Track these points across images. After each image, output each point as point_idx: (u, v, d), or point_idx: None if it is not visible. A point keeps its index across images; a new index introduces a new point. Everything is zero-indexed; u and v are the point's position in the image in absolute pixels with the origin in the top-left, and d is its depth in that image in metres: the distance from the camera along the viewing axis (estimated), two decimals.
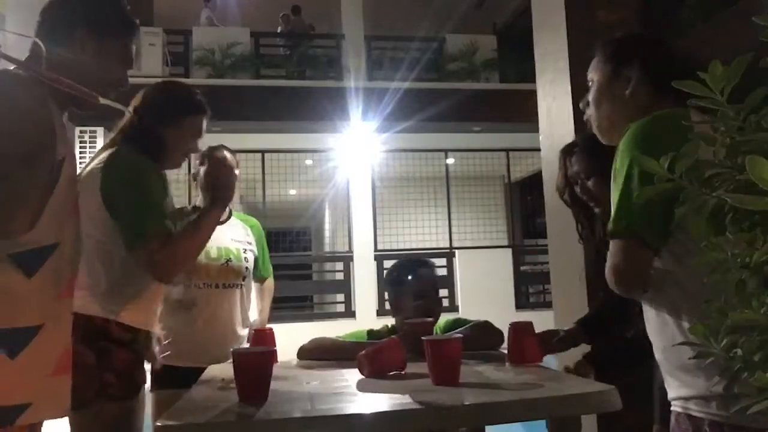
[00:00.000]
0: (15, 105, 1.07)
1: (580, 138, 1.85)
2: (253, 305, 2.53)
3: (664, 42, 1.41)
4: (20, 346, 1.03)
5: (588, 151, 1.74)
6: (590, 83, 1.38)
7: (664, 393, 1.60)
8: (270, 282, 2.65)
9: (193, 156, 2.02)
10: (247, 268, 2.38)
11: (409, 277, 2.12)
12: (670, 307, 1.11)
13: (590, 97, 1.36)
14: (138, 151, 1.65)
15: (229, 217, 2.40)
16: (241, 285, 2.36)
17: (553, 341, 1.81)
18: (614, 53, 1.33)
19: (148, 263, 1.55)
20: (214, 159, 2.26)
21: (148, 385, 1.76)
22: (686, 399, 1.07)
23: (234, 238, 2.39)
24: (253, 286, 2.52)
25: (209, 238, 1.74)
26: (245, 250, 2.40)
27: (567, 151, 1.86)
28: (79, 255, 1.21)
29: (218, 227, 2.22)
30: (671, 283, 1.10)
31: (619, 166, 1.14)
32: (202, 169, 2.26)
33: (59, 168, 1.10)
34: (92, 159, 1.69)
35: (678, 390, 1.10)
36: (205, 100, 1.84)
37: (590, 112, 1.37)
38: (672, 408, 1.13)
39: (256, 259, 2.47)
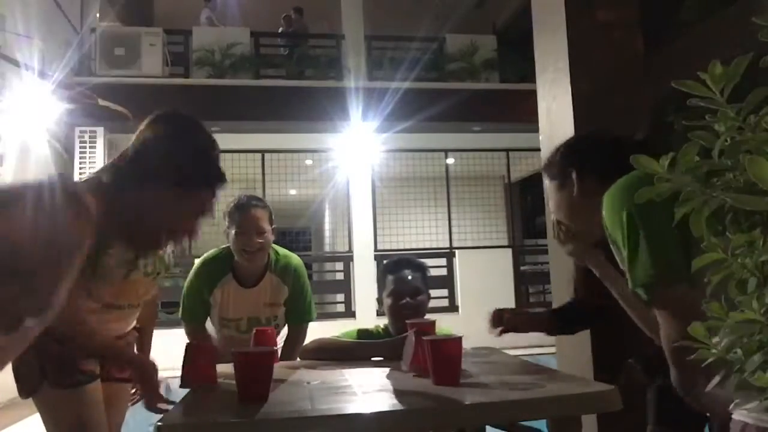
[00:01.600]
0: None
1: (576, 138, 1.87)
2: None
3: (593, 136, 1.50)
4: None
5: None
6: (556, 217, 1.50)
7: (660, 394, 1.59)
8: (305, 327, 2.38)
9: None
10: (279, 323, 2.30)
11: (395, 277, 2.12)
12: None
13: (554, 213, 1.48)
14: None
15: (262, 278, 2.25)
16: None
17: (506, 317, 1.81)
18: (551, 167, 1.45)
19: None
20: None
21: None
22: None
23: (267, 301, 2.26)
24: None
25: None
26: (276, 317, 2.28)
27: None
28: None
29: (250, 290, 2.22)
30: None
31: (613, 230, 1.07)
32: (231, 233, 2.18)
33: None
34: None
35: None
36: (221, 170, 1.32)
37: (575, 228, 1.47)
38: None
39: (290, 306, 2.31)
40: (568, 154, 1.43)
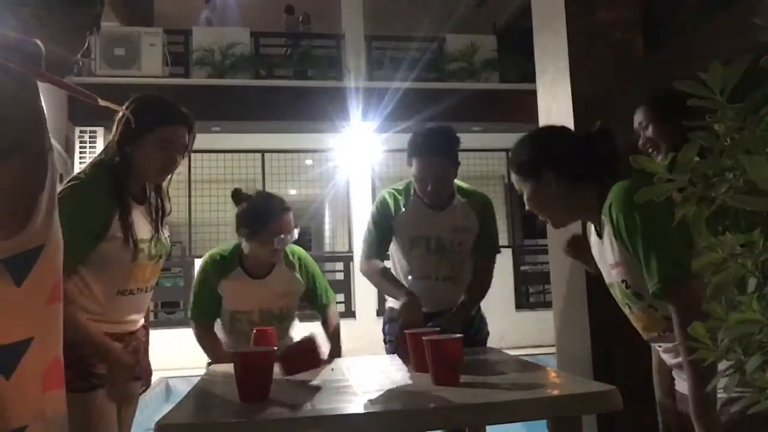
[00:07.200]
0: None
1: (648, 96, 1.97)
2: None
3: (564, 133, 1.59)
4: (14, 363, 0.90)
5: (651, 103, 1.91)
6: (521, 193, 1.54)
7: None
8: (333, 310, 2.43)
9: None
10: (292, 315, 2.33)
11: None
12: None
13: (528, 206, 1.53)
14: (102, 175, 1.69)
15: (271, 269, 2.26)
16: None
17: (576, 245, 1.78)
18: (525, 166, 1.50)
19: None
20: None
21: None
22: None
23: (280, 291, 2.27)
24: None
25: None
26: (288, 308, 2.30)
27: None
28: (62, 255, 1.05)
29: (261, 281, 2.24)
30: None
31: (627, 227, 1.24)
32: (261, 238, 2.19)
33: (47, 159, 0.97)
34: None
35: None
36: (175, 109, 1.77)
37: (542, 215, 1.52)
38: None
39: (308, 294, 2.36)
40: (538, 154, 1.49)
